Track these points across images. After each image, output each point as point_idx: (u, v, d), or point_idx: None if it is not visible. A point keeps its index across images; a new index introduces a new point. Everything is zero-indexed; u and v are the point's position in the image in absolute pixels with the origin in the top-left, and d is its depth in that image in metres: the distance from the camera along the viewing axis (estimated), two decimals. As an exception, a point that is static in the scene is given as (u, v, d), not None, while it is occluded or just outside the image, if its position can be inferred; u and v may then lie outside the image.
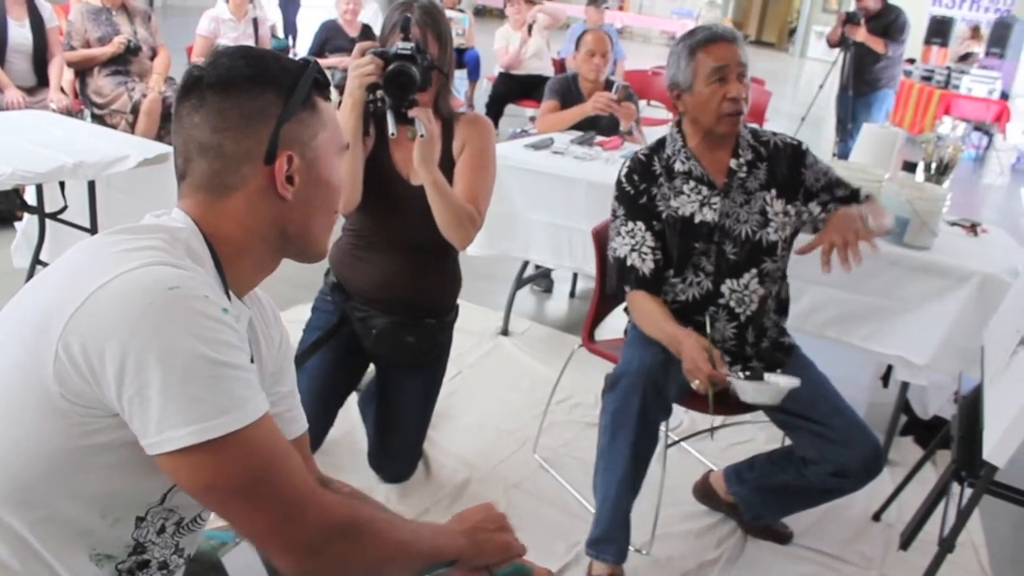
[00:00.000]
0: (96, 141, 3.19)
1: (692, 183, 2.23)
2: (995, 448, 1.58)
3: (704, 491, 2.56)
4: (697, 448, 2.88)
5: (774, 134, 2.30)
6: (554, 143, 3.62)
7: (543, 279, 4.20)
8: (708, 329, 2.17)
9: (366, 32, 6.27)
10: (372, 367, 2.58)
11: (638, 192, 2.24)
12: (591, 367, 2.84)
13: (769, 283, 2.27)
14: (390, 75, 2.03)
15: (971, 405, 2.05)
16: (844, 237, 2.04)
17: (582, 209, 3.25)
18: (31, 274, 3.34)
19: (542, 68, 7.16)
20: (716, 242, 2.22)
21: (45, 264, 3.30)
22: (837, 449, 2.11)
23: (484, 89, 7.88)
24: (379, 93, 2.08)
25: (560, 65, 7.72)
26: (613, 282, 2.30)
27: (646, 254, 2.22)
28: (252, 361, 1.07)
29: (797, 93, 13.68)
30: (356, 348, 2.44)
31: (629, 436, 2.08)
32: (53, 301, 0.98)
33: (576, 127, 3.96)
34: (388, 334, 2.37)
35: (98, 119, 4.83)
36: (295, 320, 3.34)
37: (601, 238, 2.48)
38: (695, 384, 1.97)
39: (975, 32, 11.81)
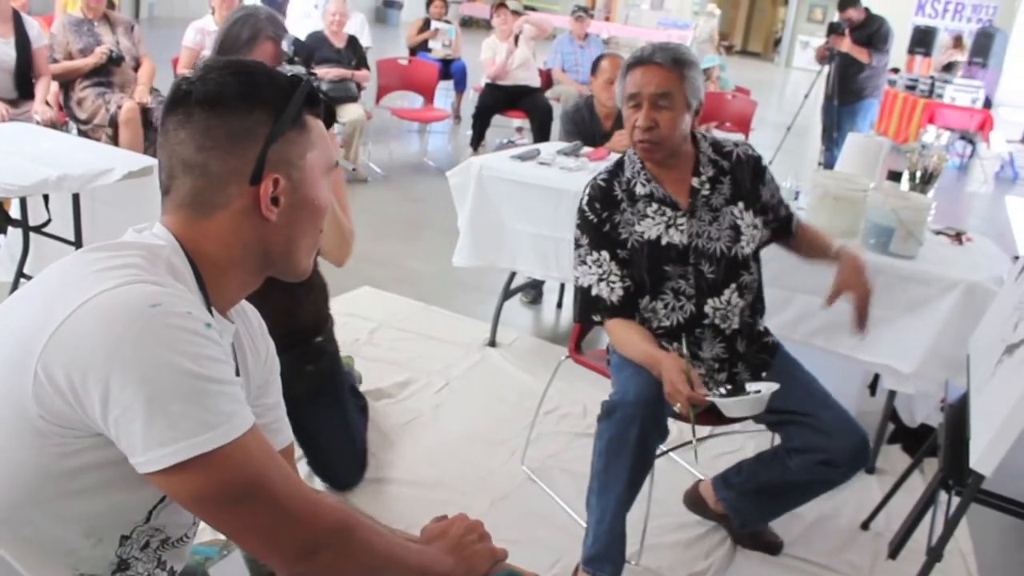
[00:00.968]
0: (80, 154, 3.17)
1: (655, 205, 2.20)
2: (981, 457, 1.58)
3: (694, 500, 2.55)
4: (686, 458, 2.87)
5: (736, 145, 2.30)
6: (540, 154, 3.62)
7: (531, 290, 4.20)
8: (684, 350, 2.16)
9: (352, 43, 6.28)
10: None
11: (600, 220, 2.22)
12: (579, 378, 2.84)
13: (748, 294, 2.27)
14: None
15: (957, 414, 2.05)
16: (865, 290, 2.23)
17: (569, 220, 3.21)
18: (14, 288, 3.31)
19: (528, 79, 7.19)
20: (692, 263, 2.20)
21: (29, 278, 3.28)
22: (824, 438, 2.11)
23: (471, 100, 7.90)
24: None
25: (546, 76, 7.75)
26: (578, 311, 2.28)
27: (614, 283, 2.20)
28: (238, 374, 1.06)
29: (783, 102, 13.76)
30: None
31: (626, 463, 2.07)
32: (31, 321, 0.97)
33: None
34: (289, 372, 2.33)
35: (83, 132, 4.81)
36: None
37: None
38: (676, 407, 1.97)
39: (957, 42, 11.91)
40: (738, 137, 7.17)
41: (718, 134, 7.12)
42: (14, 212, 3.34)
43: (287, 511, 1.00)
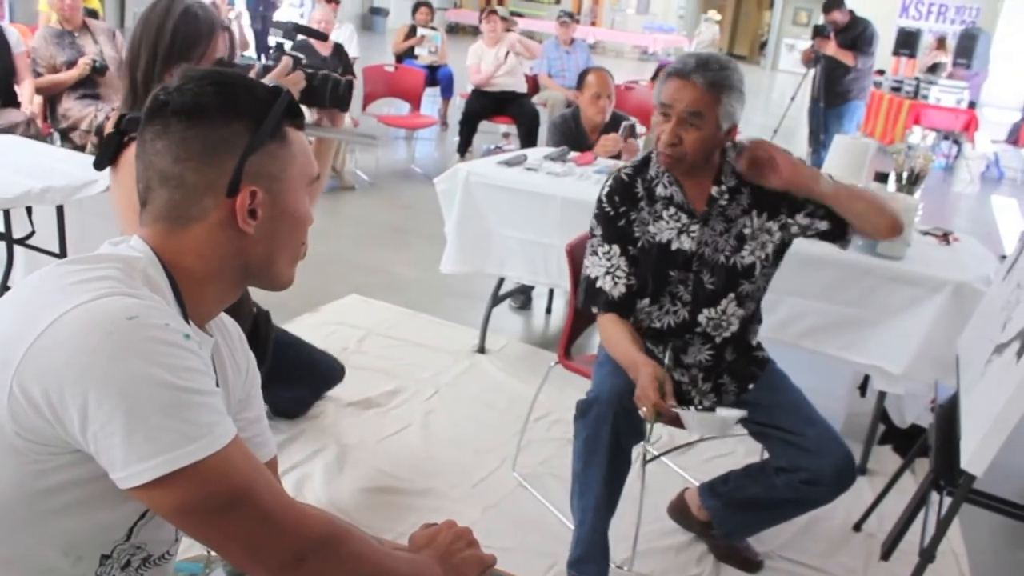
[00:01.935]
0: (64, 165, 3.14)
1: (672, 209, 2.19)
2: (972, 457, 1.58)
3: (679, 509, 2.53)
4: (678, 463, 2.87)
5: None
6: (527, 159, 3.61)
7: (520, 295, 4.19)
8: (665, 360, 2.16)
9: (338, 51, 6.26)
10: None
11: (617, 214, 2.21)
12: (569, 383, 2.82)
13: (749, 303, 2.25)
14: (340, 86, 1.88)
15: (948, 414, 2.05)
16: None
17: (556, 225, 3.24)
18: (-1, 300, 3.28)
19: (515, 84, 7.19)
20: (695, 271, 2.19)
21: (13, 290, 3.24)
22: (809, 457, 2.10)
23: (457, 106, 7.90)
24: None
25: (533, 81, 7.75)
26: (581, 299, 2.28)
27: (619, 278, 2.20)
28: (218, 385, 1.05)
29: (769, 105, 13.80)
30: None
31: (602, 462, 2.07)
32: (5, 336, 0.95)
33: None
34: None
35: (68, 142, 4.78)
36: (298, 336, 3.35)
37: (575, 254, 2.47)
38: (642, 411, 1.96)
39: (941, 43, 11.99)
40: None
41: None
42: (-2, 224, 3.31)
43: (272, 521, 0.99)
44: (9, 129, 4.24)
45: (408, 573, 1.14)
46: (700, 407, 2.07)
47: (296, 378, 2.78)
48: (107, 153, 1.12)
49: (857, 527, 2.66)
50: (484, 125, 7.42)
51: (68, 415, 0.91)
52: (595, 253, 2.24)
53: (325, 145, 2.06)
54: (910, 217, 2.82)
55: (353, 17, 19.29)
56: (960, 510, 1.81)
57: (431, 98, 8.50)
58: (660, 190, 2.20)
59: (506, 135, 7.99)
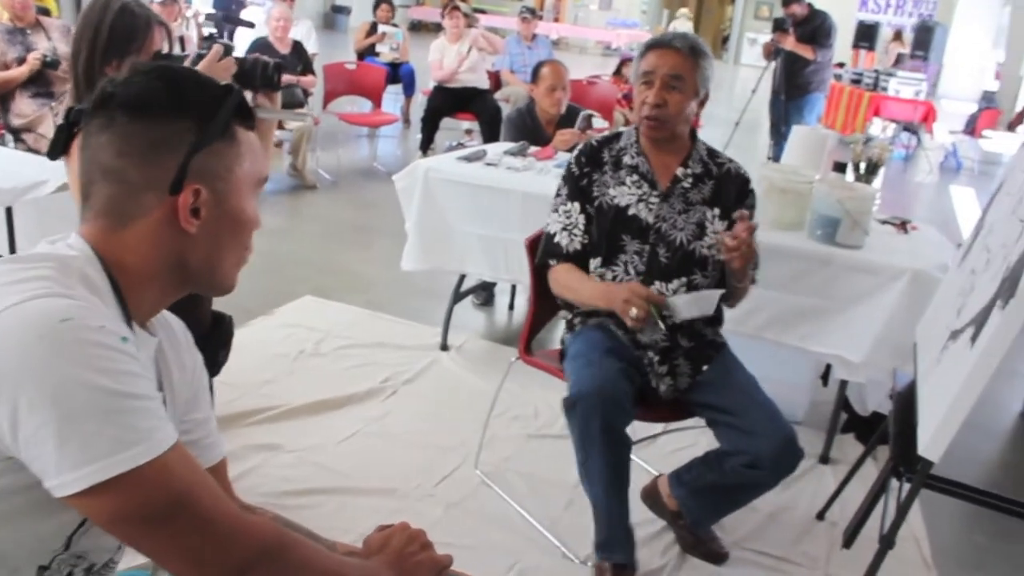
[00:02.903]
0: (13, 166, 3.07)
1: (636, 177, 2.30)
2: (929, 443, 1.58)
3: (651, 495, 2.53)
4: (641, 455, 2.85)
5: (730, 160, 2.38)
6: (487, 155, 3.58)
7: (482, 292, 4.16)
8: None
9: (297, 49, 6.20)
10: None
11: (581, 174, 2.33)
12: (530, 379, 2.80)
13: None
14: (268, 68, 1.96)
15: (906, 401, 2.05)
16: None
17: (517, 220, 3.22)
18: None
19: (476, 81, 7.15)
20: (651, 243, 2.27)
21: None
22: (749, 439, 2.13)
23: (420, 103, 7.85)
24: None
25: (495, 77, 7.72)
26: (539, 255, 2.39)
27: (575, 235, 2.32)
28: (161, 389, 1.01)
29: (732, 99, 13.87)
30: None
31: (600, 450, 2.10)
32: None
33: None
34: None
35: (20, 143, 4.67)
36: (254, 339, 3.30)
37: (534, 248, 2.45)
38: (633, 312, 2.04)
39: (898, 36, 12.15)
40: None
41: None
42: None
43: (214, 530, 0.96)
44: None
45: (360, 574, 1.12)
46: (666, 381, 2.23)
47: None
48: (58, 142, 1.08)
49: (820, 516, 2.66)
50: (447, 122, 7.38)
51: None
52: (556, 211, 2.36)
53: (263, 127, 2.09)
54: (867, 206, 2.83)
55: (315, 15, 19.14)
56: (921, 495, 1.81)
57: (393, 96, 8.45)
58: (627, 159, 2.33)
59: (469, 131, 7.96)
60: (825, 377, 3.37)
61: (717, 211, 2.31)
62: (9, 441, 0.89)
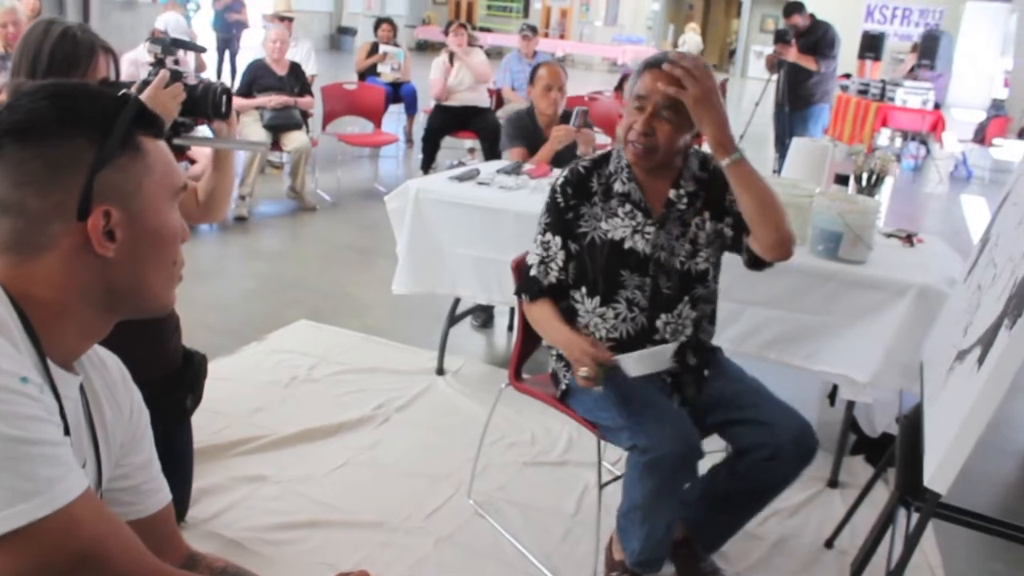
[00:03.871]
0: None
1: (628, 207, 2.15)
2: (935, 474, 1.47)
3: None
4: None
5: None
6: (480, 174, 3.50)
7: (481, 313, 4.07)
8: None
9: (295, 70, 6.15)
10: None
11: (567, 206, 2.17)
12: (527, 404, 2.70)
13: (703, 304, 2.21)
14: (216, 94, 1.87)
15: (912, 425, 1.94)
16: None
17: (511, 240, 3.12)
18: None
19: (477, 99, 7.10)
20: (651, 275, 2.14)
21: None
22: (766, 431, 2.04)
23: (422, 123, 7.80)
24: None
25: (497, 95, 7.67)
26: (519, 288, 2.29)
27: (552, 270, 2.20)
28: (68, 433, 0.93)
29: (739, 113, 13.76)
30: None
31: (674, 501, 2.05)
32: None
33: None
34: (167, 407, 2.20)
35: None
36: (221, 375, 3.18)
37: (520, 269, 2.36)
38: (583, 371, 1.96)
39: (916, 47, 12.05)
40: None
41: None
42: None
43: None
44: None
45: None
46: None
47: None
48: None
49: (829, 543, 2.55)
50: (449, 141, 7.32)
51: None
52: (535, 241, 2.23)
53: (222, 157, 2.00)
54: (870, 220, 2.73)
55: (321, 37, 19.23)
56: (934, 521, 1.70)
57: (395, 115, 8.39)
58: (618, 186, 2.17)
59: (471, 150, 7.90)
60: (832, 396, 3.26)
61: (707, 214, 2.16)
62: None
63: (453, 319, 3.58)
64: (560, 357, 2.26)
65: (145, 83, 1.79)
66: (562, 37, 22.43)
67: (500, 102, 7.64)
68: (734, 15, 24.60)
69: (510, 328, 4.15)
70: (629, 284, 2.14)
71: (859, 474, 2.93)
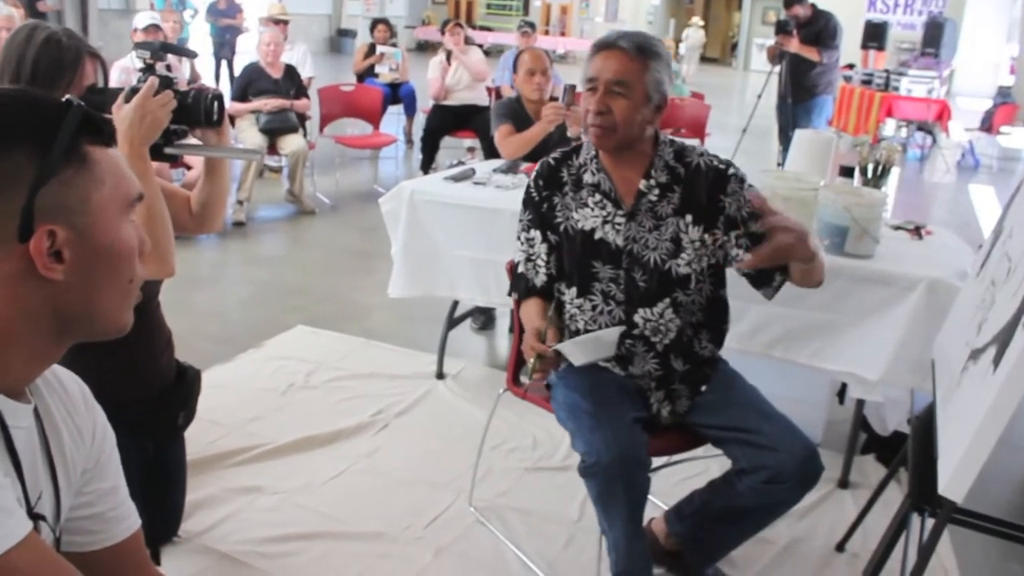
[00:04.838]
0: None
1: (599, 197, 2.11)
2: (951, 481, 1.40)
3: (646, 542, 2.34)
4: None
5: (702, 154, 2.12)
6: (475, 173, 3.43)
7: (480, 315, 4.00)
8: (551, 311, 2.13)
9: (290, 73, 6.09)
10: None
11: (541, 199, 2.16)
12: (528, 408, 2.62)
13: (685, 314, 2.11)
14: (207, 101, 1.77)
15: (924, 427, 1.87)
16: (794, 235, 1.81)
17: (507, 240, 3.01)
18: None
19: (476, 98, 7.03)
20: (625, 268, 2.08)
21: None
22: (769, 454, 1.96)
23: (421, 123, 7.74)
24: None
25: (496, 93, 7.59)
26: (511, 288, 2.25)
27: (539, 266, 2.17)
28: (18, 465, 0.86)
29: (743, 106, 13.69)
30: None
31: (621, 506, 1.98)
32: None
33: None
34: (161, 425, 2.13)
35: None
36: (218, 384, 3.12)
37: (516, 270, 2.29)
38: (529, 362, 1.95)
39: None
40: (693, 143, 7.04)
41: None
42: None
43: None
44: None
45: None
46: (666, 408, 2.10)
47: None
48: None
49: (840, 547, 2.48)
50: (449, 141, 7.25)
51: None
52: (518, 239, 2.22)
53: (215, 165, 1.91)
54: (877, 212, 2.66)
55: (320, 40, 19.16)
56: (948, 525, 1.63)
57: (395, 116, 8.33)
58: (588, 177, 2.13)
59: (471, 150, 7.82)
60: (842, 395, 3.18)
61: (690, 218, 2.06)
62: None
63: (452, 322, 3.52)
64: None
65: (134, 90, 1.70)
66: (563, 34, 22.35)
67: (499, 100, 7.57)
68: (735, 8, 24.47)
69: (511, 330, 4.06)
70: (603, 276, 2.09)
71: (870, 474, 2.86)
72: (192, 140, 1.89)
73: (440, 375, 3.43)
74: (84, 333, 0.97)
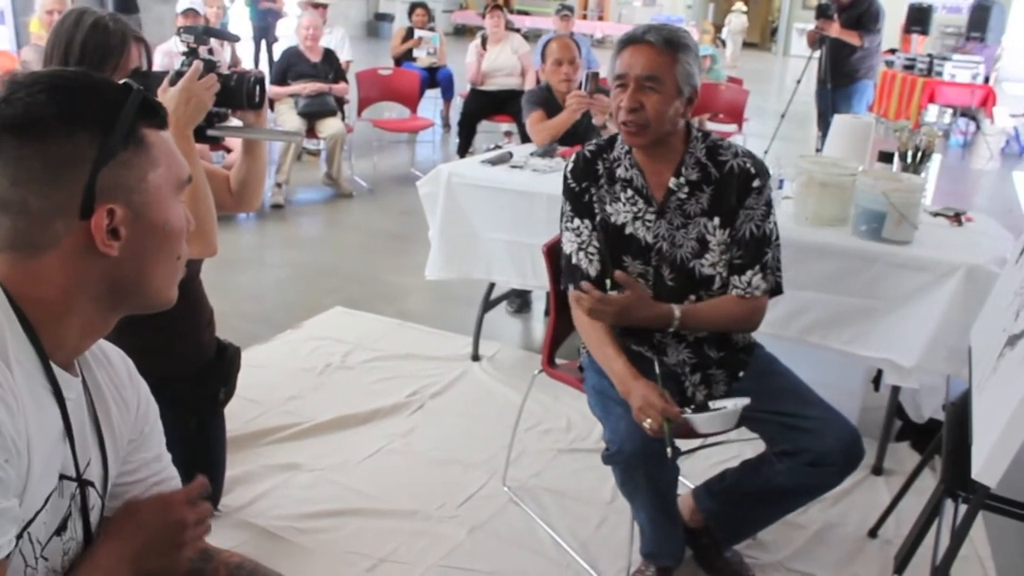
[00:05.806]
0: None
1: (630, 192, 2.10)
2: (984, 467, 1.40)
3: None
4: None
5: (736, 154, 2.08)
6: (512, 157, 3.45)
7: (516, 298, 4.03)
8: (657, 370, 2.02)
9: (328, 56, 6.14)
10: None
11: (581, 189, 2.13)
12: (563, 389, 2.66)
13: None
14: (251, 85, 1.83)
15: (959, 413, 1.87)
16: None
17: (543, 223, 3.07)
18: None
19: (513, 83, 7.02)
20: (654, 265, 2.09)
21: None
22: (812, 437, 1.96)
23: (459, 107, 7.76)
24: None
25: (536, 78, 7.59)
26: (563, 280, 2.20)
27: (592, 254, 2.11)
28: (70, 431, 0.90)
29: (782, 91, 13.53)
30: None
31: (645, 494, 2.01)
32: None
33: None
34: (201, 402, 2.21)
35: None
36: (257, 363, 3.18)
37: (553, 254, 2.31)
38: (647, 423, 1.84)
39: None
40: (730, 128, 6.99)
41: (711, 126, 6.94)
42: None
43: None
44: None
45: None
46: (693, 408, 1.99)
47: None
48: None
49: (872, 533, 2.48)
50: (486, 125, 7.26)
51: None
52: (567, 230, 2.16)
53: (254, 145, 1.96)
54: (915, 198, 2.64)
55: (359, 24, 19.21)
56: (981, 512, 1.63)
57: (432, 100, 8.36)
58: (621, 171, 2.11)
59: (508, 134, 7.83)
60: (876, 381, 3.16)
61: (717, 220, 2.05)
62: None
63: (488, 304, 3.55)
64: (589, 353, 2.20)
65: (179, 74, 1.75)
66: (600, 18, 22.20)
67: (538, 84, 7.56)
68: (776, -8, 24.13)
69: (547, 313, 4.09)
70: (633, 271, 2.09)
71: (905, 461, 2.85)
72: (234, 122, 1.94)
73: (476, 357, 3.47)
74: (134, 306, 1.02)
